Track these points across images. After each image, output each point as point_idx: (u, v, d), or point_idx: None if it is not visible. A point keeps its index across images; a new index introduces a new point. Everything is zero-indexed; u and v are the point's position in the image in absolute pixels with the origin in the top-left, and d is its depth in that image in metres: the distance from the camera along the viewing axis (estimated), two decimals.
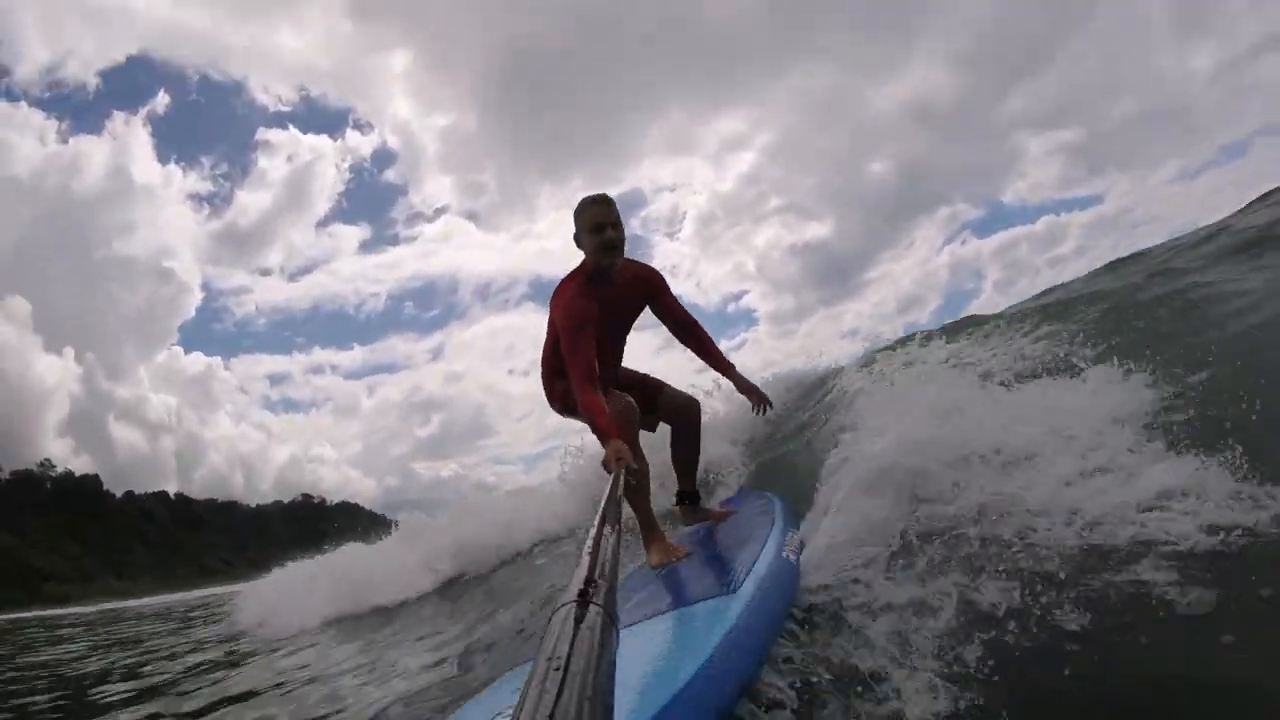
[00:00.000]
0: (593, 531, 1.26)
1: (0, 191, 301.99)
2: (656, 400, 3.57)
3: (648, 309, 3.56)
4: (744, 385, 3.60)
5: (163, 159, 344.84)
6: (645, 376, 3.64)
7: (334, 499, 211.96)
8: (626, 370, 3.60)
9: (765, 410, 3.63)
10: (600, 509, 1.50)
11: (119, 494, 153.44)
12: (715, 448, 5.15)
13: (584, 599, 0.89)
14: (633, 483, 2.95)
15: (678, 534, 3.50)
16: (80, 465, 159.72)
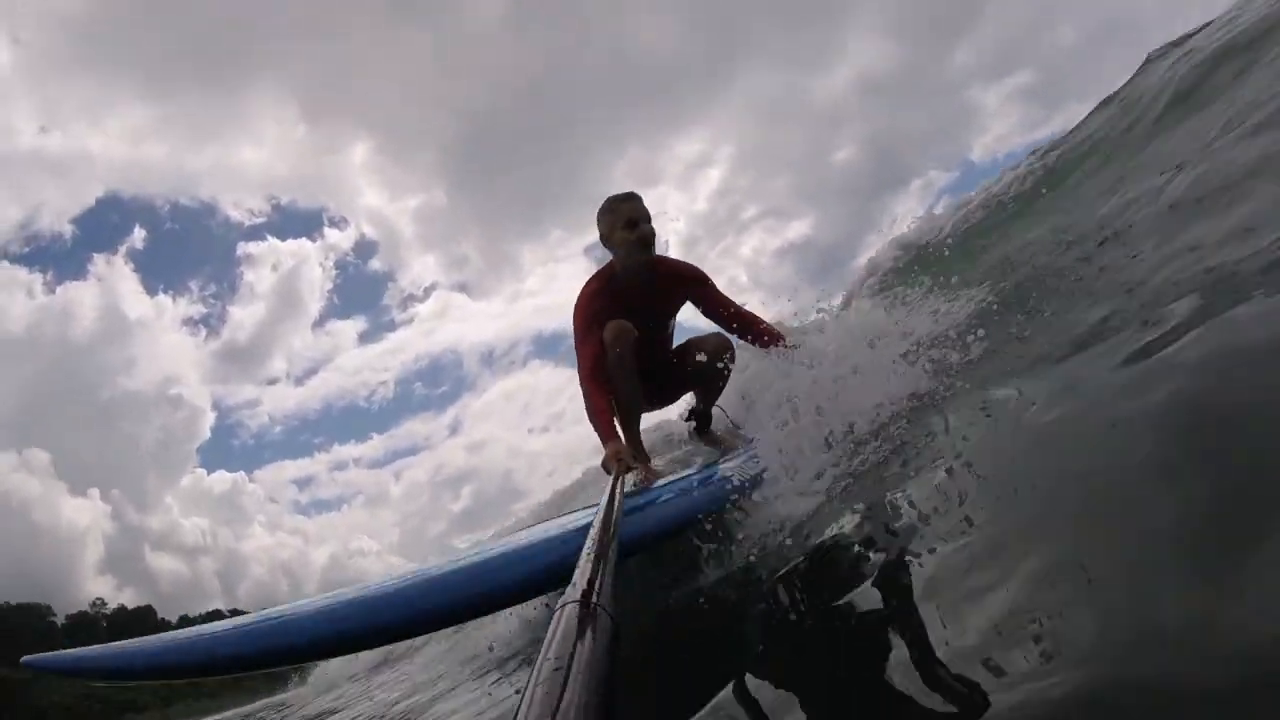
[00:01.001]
0: (593, 532, 1.26)
1: (2, 352, 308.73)
2: (686, 353, 3.37)
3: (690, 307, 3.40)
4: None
5: (150, 290, 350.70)
6: (681, 347, 3.47)
7: None
8: (668, 355, 3.47)
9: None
10: (601, 509, 1.51)
11: (173, 620, 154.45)
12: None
13: (586, 600, 0.89)
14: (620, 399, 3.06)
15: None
16: (125, 599, 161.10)
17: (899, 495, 2.20)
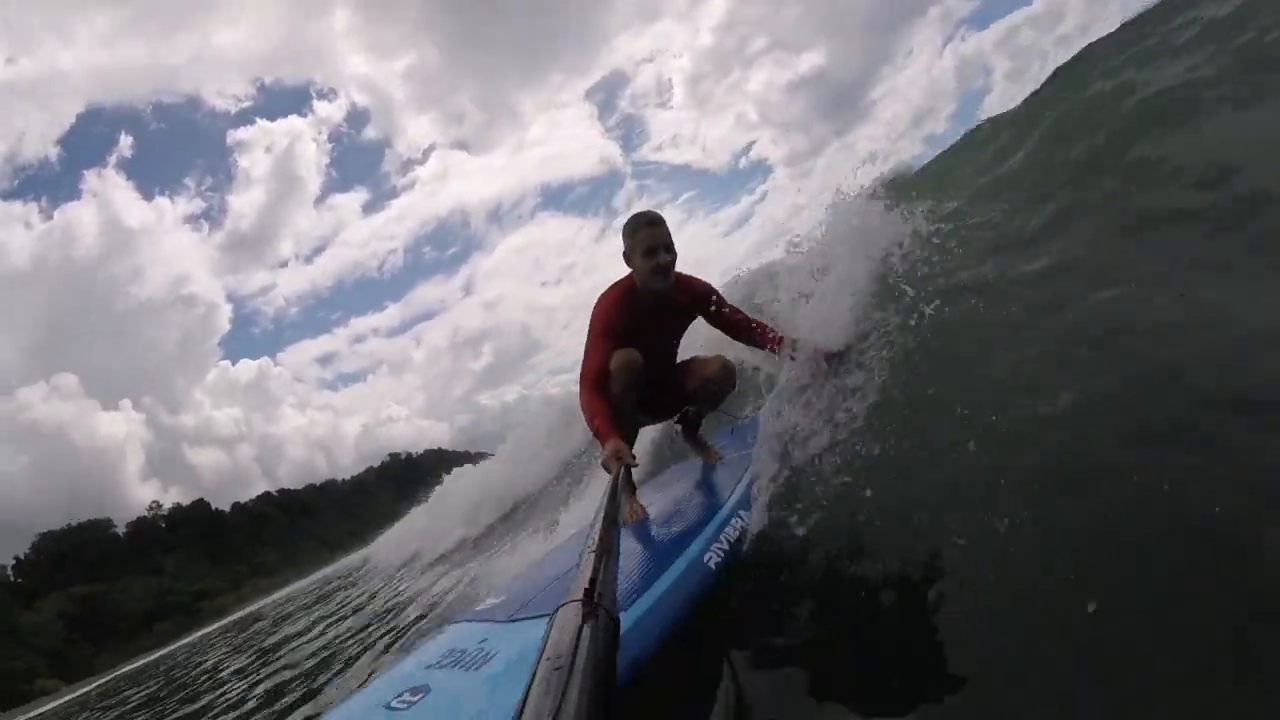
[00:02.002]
0: (594, 532, 1.27)
1: (9, 287, 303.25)
2: (687, 371, 3.54)
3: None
4: (821, 350, 3.34)
5: (146, 196, 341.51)
6: (683, 363, 3.59)
7: (417, 451, 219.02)
8: (674, 367, 3.59)
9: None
10: (601, 509, 1.52)
11: (226, 508, 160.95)
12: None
13: (588, 600, 0.92)
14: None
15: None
16: (172, 498, 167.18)
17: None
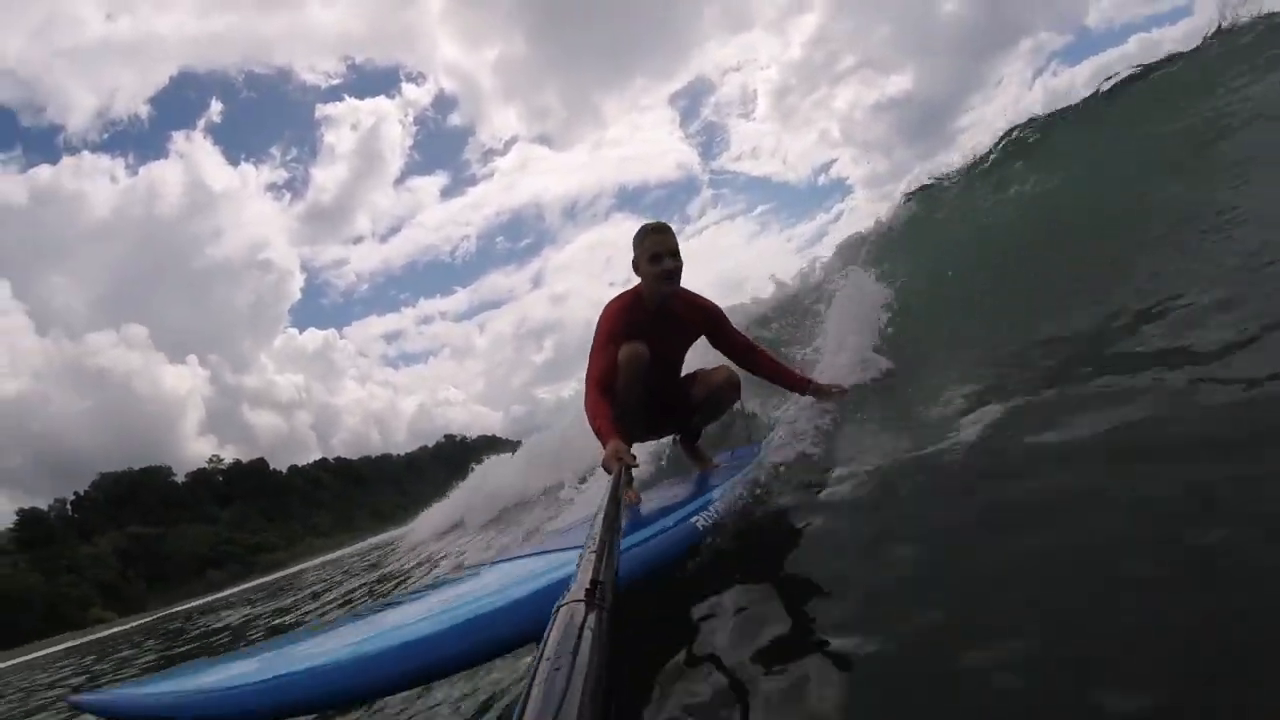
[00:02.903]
0: (595, 532, 1.28)
1: (90, 236, 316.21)
2: (693, 383, 3.58)
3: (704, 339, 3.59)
4: (827, 393, 3.63)
5: (232, 161, 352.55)
6: (687, 376, 3.65)
7: (471, 435, 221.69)
8: (679, 380, 3.64)
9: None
10: (602, 509, 1.52)
11: (284, 469, 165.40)
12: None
13: (589, 600, 0.92)
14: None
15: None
16: (228, 456, 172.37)
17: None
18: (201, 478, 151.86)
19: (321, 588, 12.25)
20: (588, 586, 0.97)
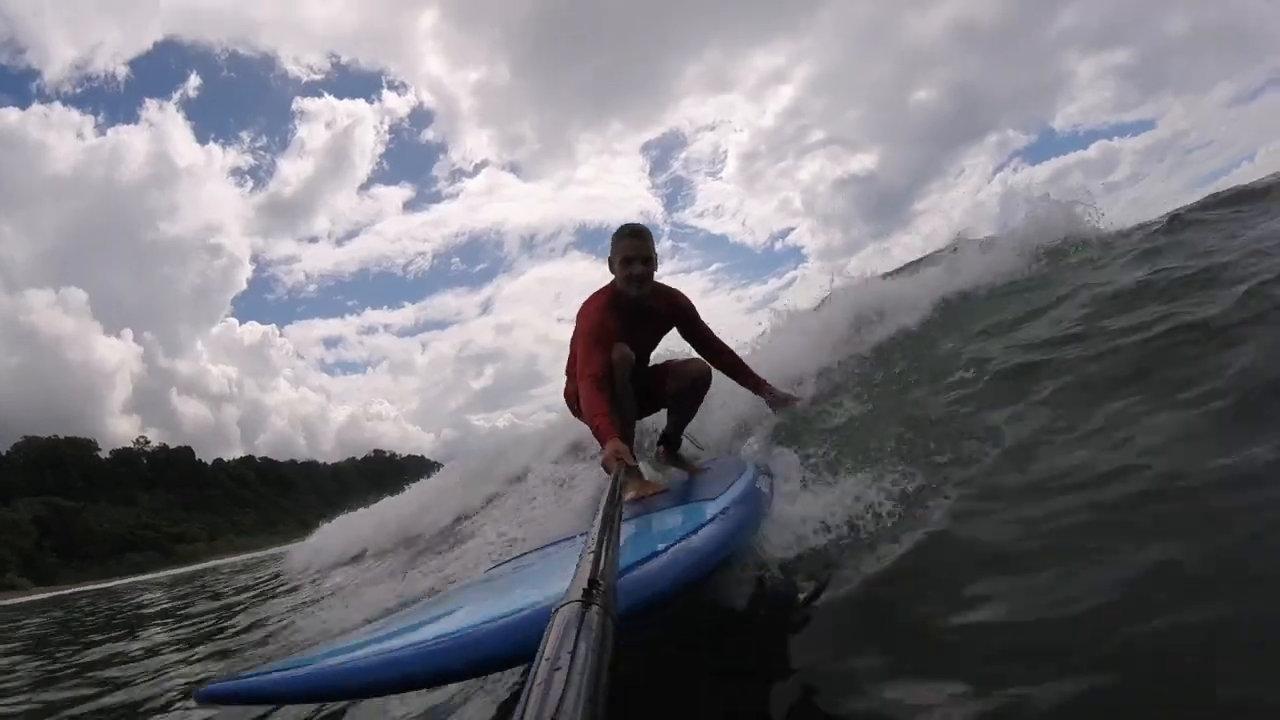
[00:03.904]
0: (594, 532, 1.26)
1: (45, 190, 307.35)
2: (665, 373, 3.65)
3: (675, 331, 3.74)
4: (777, 399, 3.94)
5: (201, 139, 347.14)
6: (659, 365, 3.73)
7: (401, 453, 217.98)
8: (649, 368, 3.70)
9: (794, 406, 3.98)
10: (601, 509, 1.51)
11: (209, 461, 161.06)
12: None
13: (587, 600, 0.91)
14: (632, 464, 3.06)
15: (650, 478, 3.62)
16: (150, 439, 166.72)
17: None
18: (126, 457, 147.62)
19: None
20: (586, 586, 0.95)
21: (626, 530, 2.31)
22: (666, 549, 1.69)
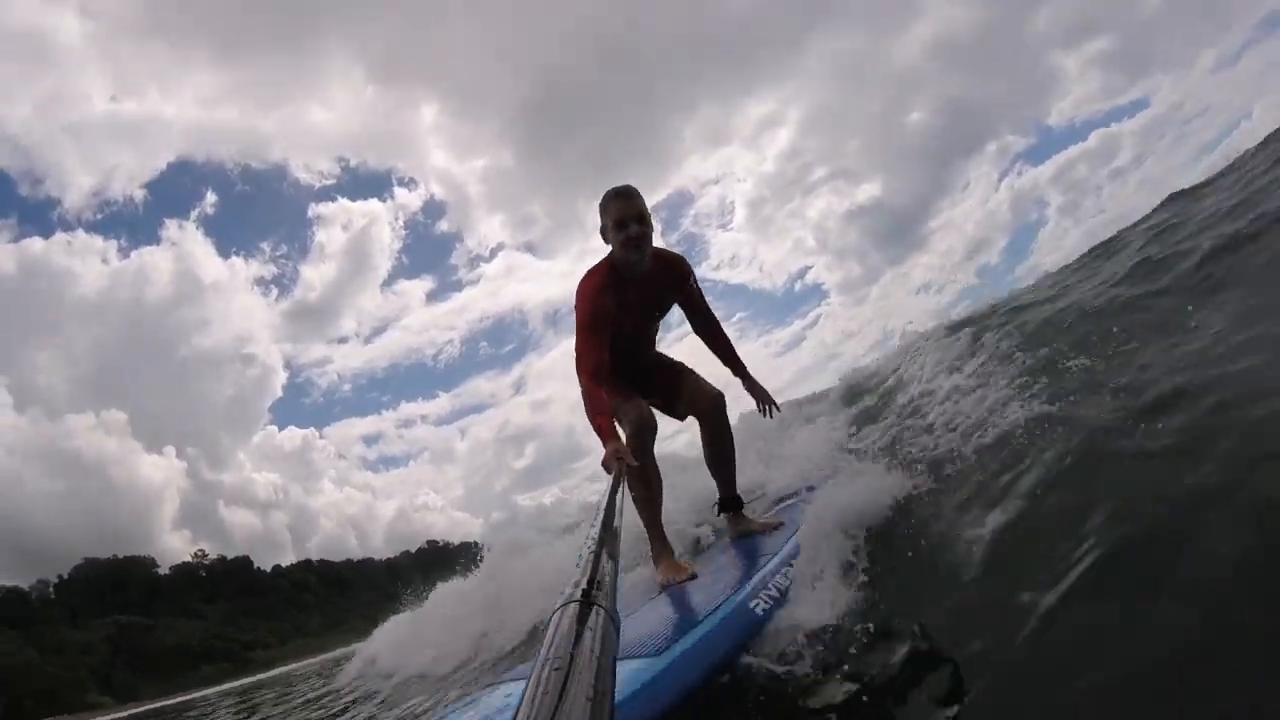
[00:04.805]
0: (594, 532, 1.25)
1: (76, 316, 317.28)
2: (680, 388, 3.43)
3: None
4: (754, 387, 3.55)
5: (223, 253, 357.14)
6: (672, 363, 3.54)
7: (453, 541, 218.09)
8: (656, 354, 3.55)
9: (771, 413, 3.57)
10: (601, 509, 1.49)
11: (267, 568, 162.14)
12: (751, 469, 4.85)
13: (587, 599, 0.90)
14: (642, 493, 3.04)
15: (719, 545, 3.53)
16: (206, 552, 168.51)
17: None
18: (185, 570, 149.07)
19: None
20: (586, 586, 0.95)
21: (640, 618, 2.49)
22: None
